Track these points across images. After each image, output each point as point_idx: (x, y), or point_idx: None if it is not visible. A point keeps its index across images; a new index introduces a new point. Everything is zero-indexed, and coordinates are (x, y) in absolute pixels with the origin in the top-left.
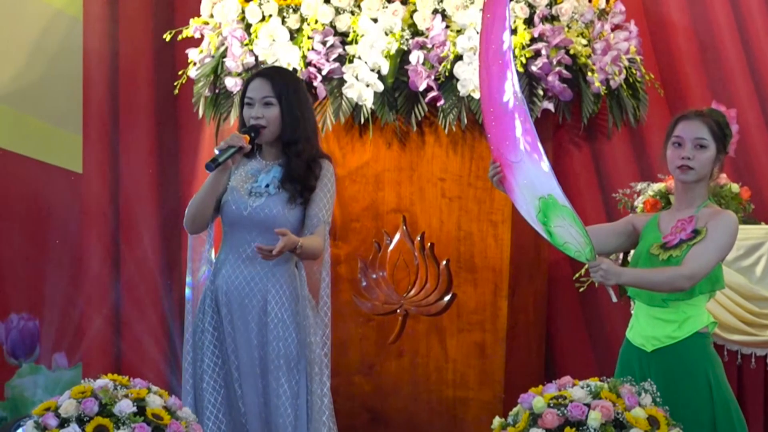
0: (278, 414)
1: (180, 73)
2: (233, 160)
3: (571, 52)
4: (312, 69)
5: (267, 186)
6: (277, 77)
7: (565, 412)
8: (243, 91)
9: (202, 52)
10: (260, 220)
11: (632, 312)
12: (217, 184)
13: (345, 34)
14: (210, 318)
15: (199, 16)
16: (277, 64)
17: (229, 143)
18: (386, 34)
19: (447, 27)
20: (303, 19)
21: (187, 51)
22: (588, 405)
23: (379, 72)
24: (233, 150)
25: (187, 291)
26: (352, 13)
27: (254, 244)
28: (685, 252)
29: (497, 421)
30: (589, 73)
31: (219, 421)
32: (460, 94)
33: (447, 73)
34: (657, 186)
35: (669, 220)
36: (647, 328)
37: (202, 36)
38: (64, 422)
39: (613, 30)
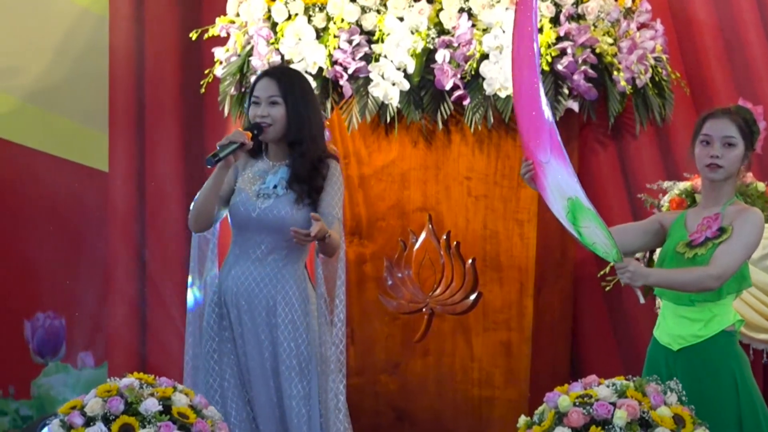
0: (292, 415)
1: (206, 71)
2: (235, 156)
3: (597, 50)
4: (338, 68)
5: (275, 187)
6: (284, 77)
7: (591, 411)
8: (251, 90)
9: (228, 50)
10: (269, 222)
11: (658, 311)
12: (220, 182)
13: (371, 33)
14: (217, 320)
15: (225, 14)
16: (303, 62)
17: (230, 139)
18: (412, 32)
19: (473, 26)
20: (329, 18)
21: (213, 50)
22: (614, 404)
23: (405, 71)
24: (234, 146)
25: (190, 292)
26: (378, 11)
27: (263, 246)
28: (710, 250)
29: (523, 419)
30: (615, 72)
31: None
32: (486, 93)
33: (473, 72)
34: (683, 185)
35: (695, 217)
36: (674, 326)
37: (228, 35)
38: (89, 421)
39: (639, 29)
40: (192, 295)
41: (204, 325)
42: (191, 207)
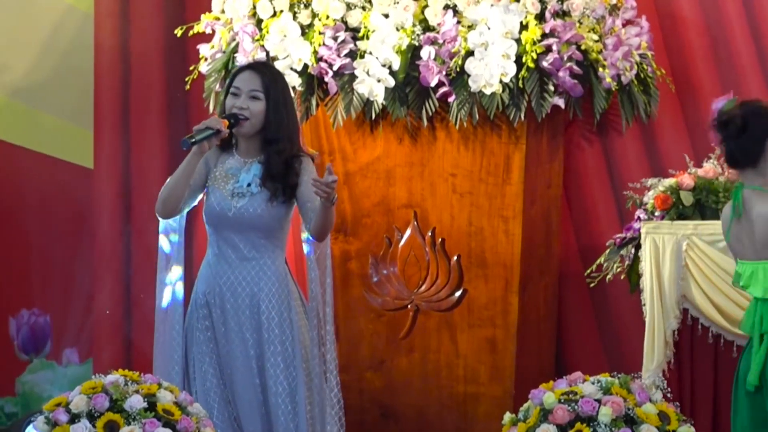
0: (278, 412)
1: (191, 68)
2: (209, 143)
3: (582, 47)
4: (323, 64)
5: (249, 185)
6: (268, 73)
7: (576, 407)
8: (230, 80)
9: (213, 47)
10: (245, 220)
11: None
12: (192, 168)
13: (356, 30)
14: (199, 320)
15: (210, 11)
16: (288, 59)
17: (207, 125)
18: (397, 29)
19: (458, 22)
20: (314, 15)
21: (198, 46)
22: (599, 400)
23: (390, 67)
24: (210, 132)
25: (166, 292)
26: (364, 8)
27: (241, 245)
28: None
29: (508, 416)
30: (600, 69)
31: None
32: (472, 90)
33: (458, 69)
34: (668, 181)
35: None
36: None
37: (213, 31)
38: (74, 418)
39: (624, 25)
40: (164, 295)
41: (178, 327)
42: (160, 192)
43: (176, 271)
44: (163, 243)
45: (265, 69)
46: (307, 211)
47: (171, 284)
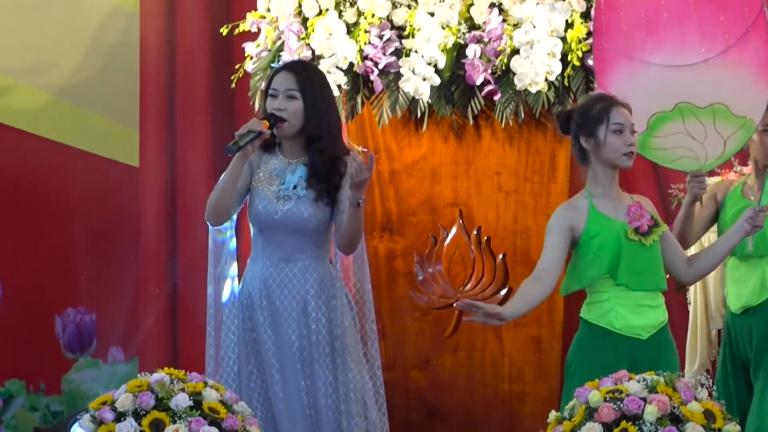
0: (329, 412)
1: (237, 67)
2: (252, 146)
3: None
4: (369, 63)
5: (295, 187)
6: (303, 71)
7: (622, 406)
8: (267, 83)
9: (258, 46)
10: (292, 223)
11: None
12: (238, 172)
13: (402, 28)
14: (244, 322)
15: (255, 10)
16: (333, 58)
17: (248, 128)
18: (443, 27)
19: (504, 21)
20: (360, 13)
21: (243, 45)
22: (644, 399)
23: (435, 66)
24: (252, 135)
25: (210, 290)
26: (409, 6)
27: (286, 246)
28: (656, 242)
29: (553, 415)
30: None
31: None
32: (517, 88)
33: (504, 67)
34: (713, 180)
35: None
36: (636, 317)
37: (259, 30)
38: (120, 416)
39: None
40: (211, 294)
41: (225, 329)
42: (208, 200)
43: (233, 267)
44: (221, 238)
45: (301, 68)
46: (341, 220)
47: (232, 278)
